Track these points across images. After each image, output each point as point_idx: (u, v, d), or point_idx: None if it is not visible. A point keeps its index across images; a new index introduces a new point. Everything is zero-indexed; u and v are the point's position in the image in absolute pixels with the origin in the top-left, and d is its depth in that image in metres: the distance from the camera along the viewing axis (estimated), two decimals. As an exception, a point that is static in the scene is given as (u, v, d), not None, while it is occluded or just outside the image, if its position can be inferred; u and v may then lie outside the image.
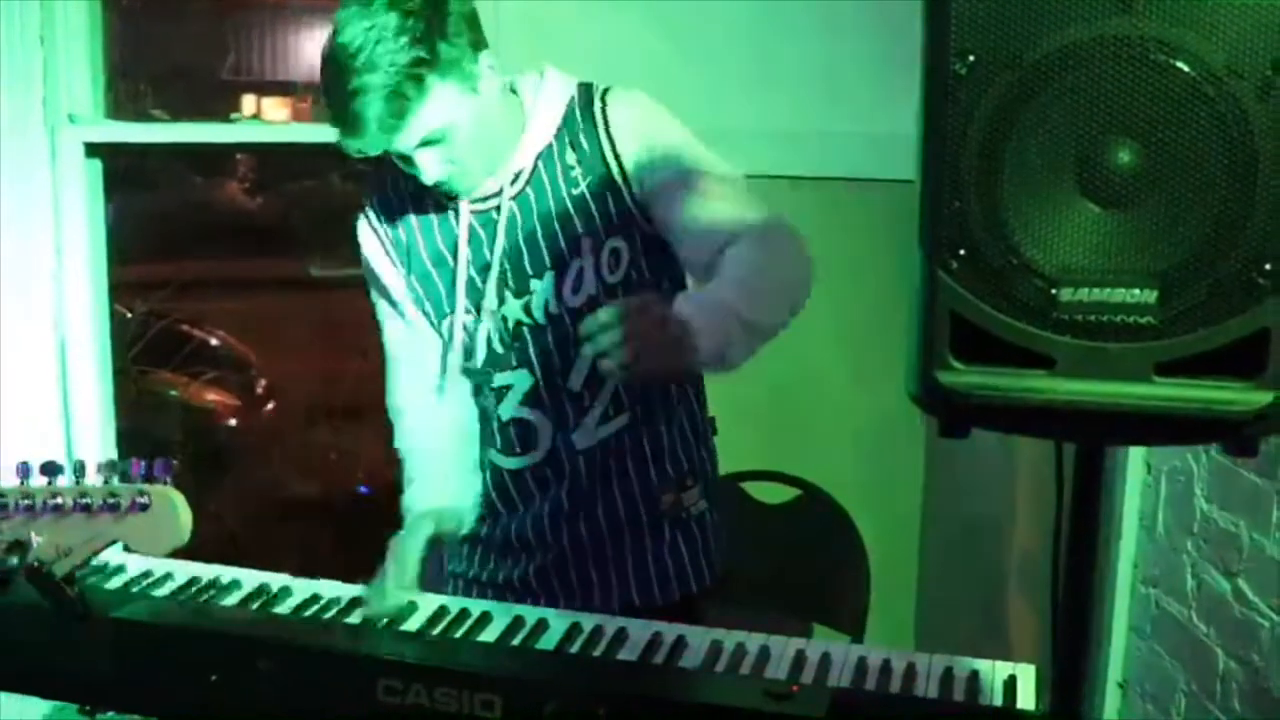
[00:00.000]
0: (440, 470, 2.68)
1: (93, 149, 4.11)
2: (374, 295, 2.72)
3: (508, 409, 2.63)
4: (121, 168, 4.50)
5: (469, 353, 2.61)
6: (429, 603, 2.40)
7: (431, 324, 2.65)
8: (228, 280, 10.59)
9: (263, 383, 7.79)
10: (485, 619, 2.32)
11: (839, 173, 3.84)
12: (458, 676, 2.03)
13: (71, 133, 4.04)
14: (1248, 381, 1.44)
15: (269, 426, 7.34)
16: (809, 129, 3.85)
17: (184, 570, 2.51)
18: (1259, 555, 2.79)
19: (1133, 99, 1.39)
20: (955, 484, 4.03)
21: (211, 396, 7.80)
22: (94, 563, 2.51)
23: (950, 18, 1.42)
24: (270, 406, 7.65)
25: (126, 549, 2.12)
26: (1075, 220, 1.44)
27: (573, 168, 2.51)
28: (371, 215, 2.66)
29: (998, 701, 2.05)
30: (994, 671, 2.11)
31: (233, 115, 4.42)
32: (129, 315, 7.35)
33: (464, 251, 2.56)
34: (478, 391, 2.67)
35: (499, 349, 2.59)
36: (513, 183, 2.53)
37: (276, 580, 2.48)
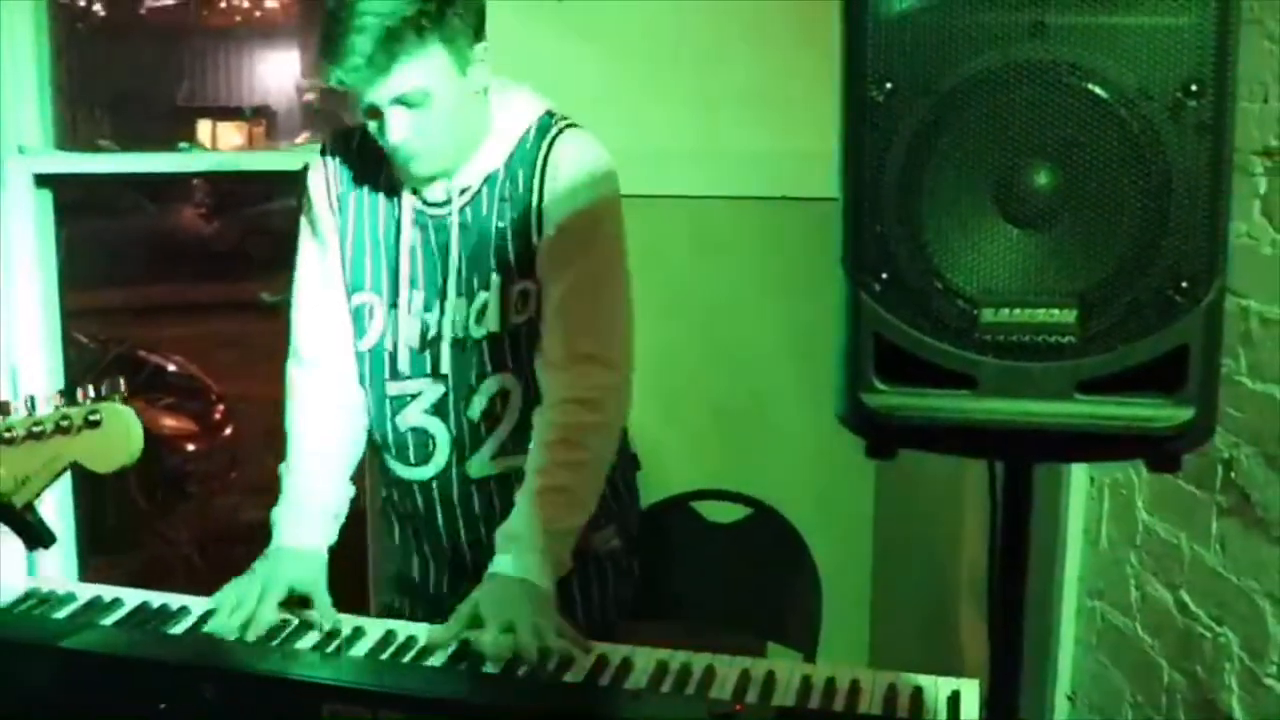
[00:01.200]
0: (315, 493, 2.62)
1: (42, 179, 4.10)
2: (302, 233, 2.69)
3: (410, 416, 2.62)
4: (75, 195, 4.49)
5: (380, 340, 2.61)
6: (376, 627, 2.40)
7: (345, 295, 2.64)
8: (184, 305, 10.57)
9: (220, 408, 7.77)
10: (412, 642, 2.33)
11: (781, 191, 3.86)
12: (403, 700, 2.05)
13: (19, 163, 4.03)
14: (1168, 397, 1.46)
15: (227, 451, 7.32)
16: (750, 148, 3.86)
17: (133, 598, 2.51)
18: (1200, 566, 2.82)
19: (1048, 122, 1.41)
20: (906, 500, 4.05)
21: (169, 422, 7.77)
22: (41, 592, 2.52)
23: (867, 45, 1.44)
24: (228, 431, 7.63)
25: (82, 469, 2.12)
26: (995, 242, 1.46)
27: (505, 200, 2.52)
28: (327, 161, 2.63)
29: (942, 717, 2.07)
30: (937, 688, 2.14)
31: (181, 144, 4.41)
32: (86, 341, 7.34)
33: (405, 245, 2.56)
34: (371, 376, 2.65)
35: (415, 350, 2.59)
36: (461, 194, 2.53)
37: (224, 607, 2.47)
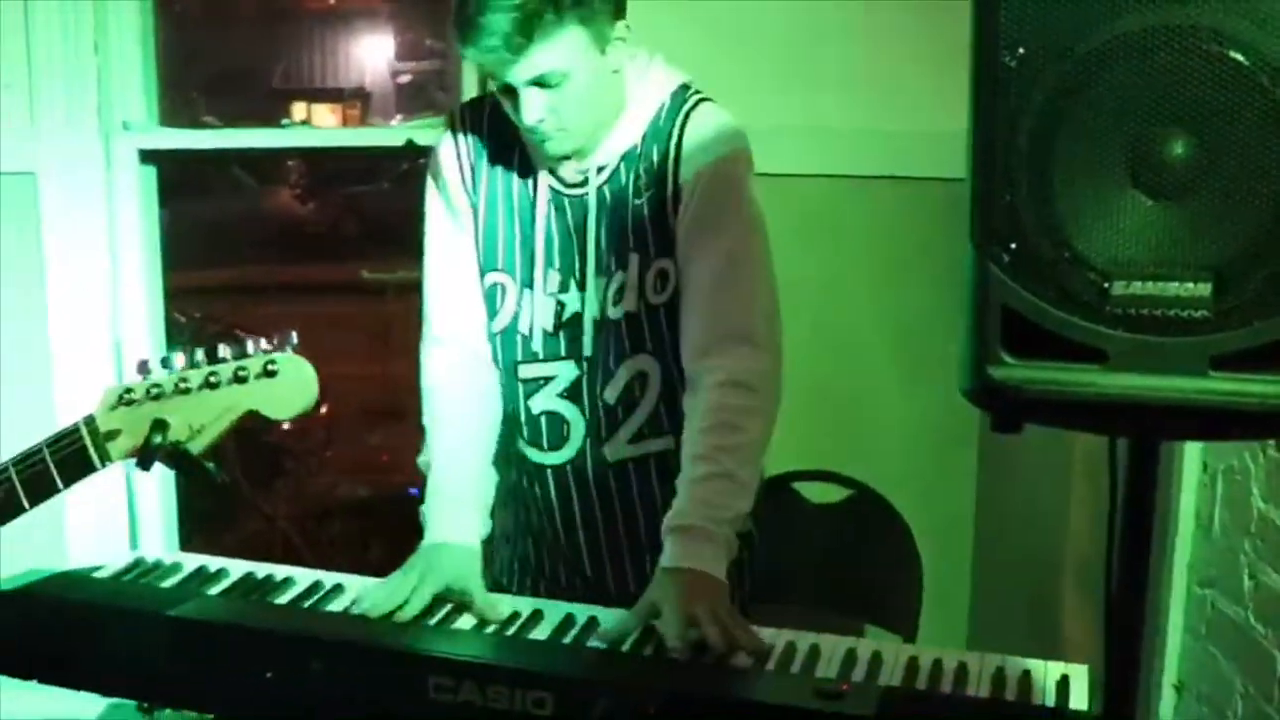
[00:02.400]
0: (462, 484, 2.55)
1: (147, 155, 4.15)
2: (431, 209, 2.62)
3: (543, 400, 2.58)
4: (175, 175, 4.53)
5: (513, 322, 2.56)
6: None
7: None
8: (281, 285, 10.64)
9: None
10: (537, 617, 2.32)
11: (888, 171, 3.83)
12: (509, 674, 2.04)
13: (126, 139, 4.09)
14: (1304, 375, 1.43)
15: (322, 429, 7.36)
16: (857, 127, 3.83)
17: (238, 568, 2.52)
18: (1317, 555, 2.77)
19: (1186, 90, 1.38)
20: (1009, 482, 4.01)
21: (265, 401, 7.81)
22: (148, 562, 2.54)
23: (1000, 10, 1.42)
24: (323, 410, 7.67)
25: (257, 415, 2.14)
26: (1128, 213, 1.43)
27: (641, 178, 2.47)
28: (459, 136, 2.56)
29: (1050, 702, 2.04)
30: (1046, 671, 2.10)
31: (283, 121, 4.43)
32: (183, 320, 7.40)
33: (540, 225, 2.51)
34: (502, 359, 2.60)
35: (549, 333, 2.55)
36: (598, 172, 2.48)
37: (329, 578, 2.49)
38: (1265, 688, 2.95)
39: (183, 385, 2.13)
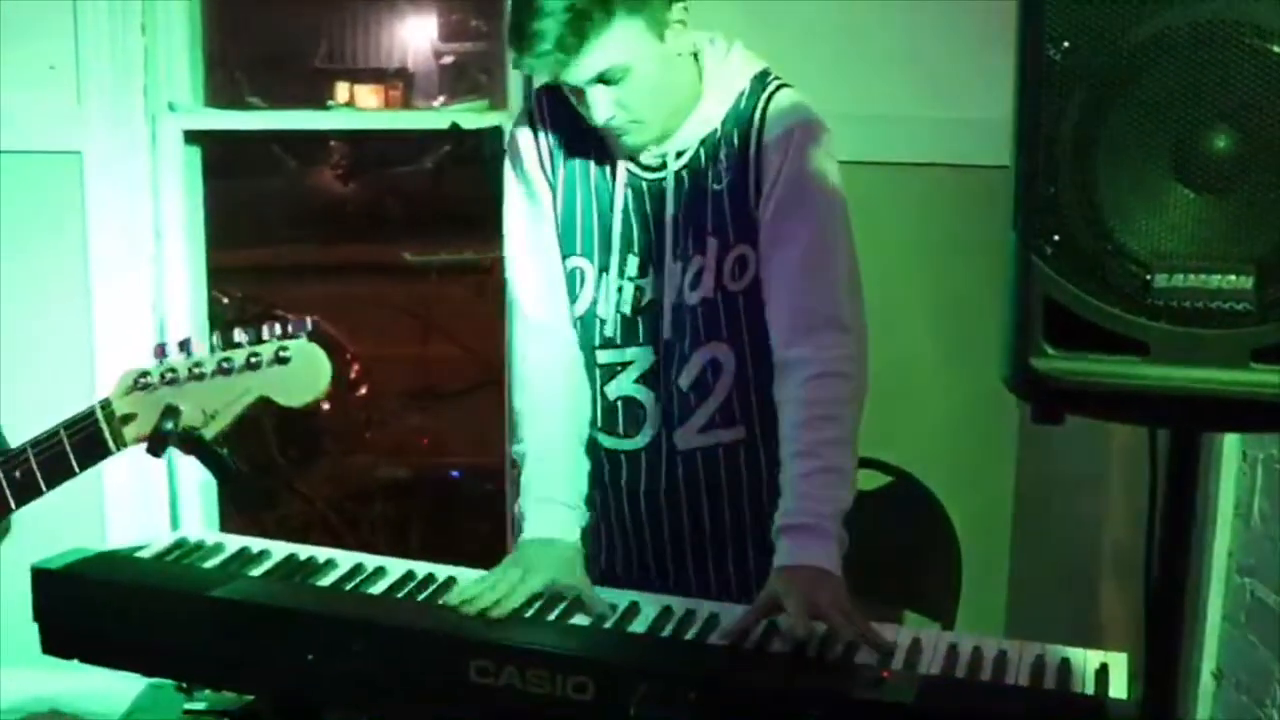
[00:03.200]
0: (558, 477, 2.53)
1: (192, 136, 4.18)
2: (510, 195, 2.62)
3: (618, 387, 2.57)
4: (216, 154, 4.56)
5: (593, 306, 2.55)
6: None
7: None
8: (322, 266, 10.67)
9: (356, 367, 7.84)
10: (578, 602, 2.33)
11: (933, 158, 3.82)
12: (550, 659, 2.06)
13: (171, 120, 4.11)
14: (1346, 368, 1.43)
15: (362, 410, 7.38)
16: (903, 113, 3.83)
17: (280, 550, 2.54)
18: (1356, 545, 2.76)
19: (1229, 84, 1.39)
20: (1048, 471, 4.00)
21: (305, 380, 7.84)
22: (190, 542, 2.56)
23: (1045, 4, 1.42)
24: (363, 391, 7.69)
25: (269, 402, 2.16)
26: (1170, 205, 1.44)
27: (721, 163, 2.46)
28: (535, 121, 2.56)
29: (1089, 690, 2.04)
30: (1085, 660, 2.11)
31: (328, 102, 4.45)
32: (225, 300, 7.43)
33: (619, 210, 2.50)
34: (582, 340, 2.58)
35: (627, 318, 2.54)
36: (677, 157, 2.47)
37: (371, 561, 2.50)
38: (1305, 677, 2.95)
39: (196, 371, 2.15)
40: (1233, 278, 1.42)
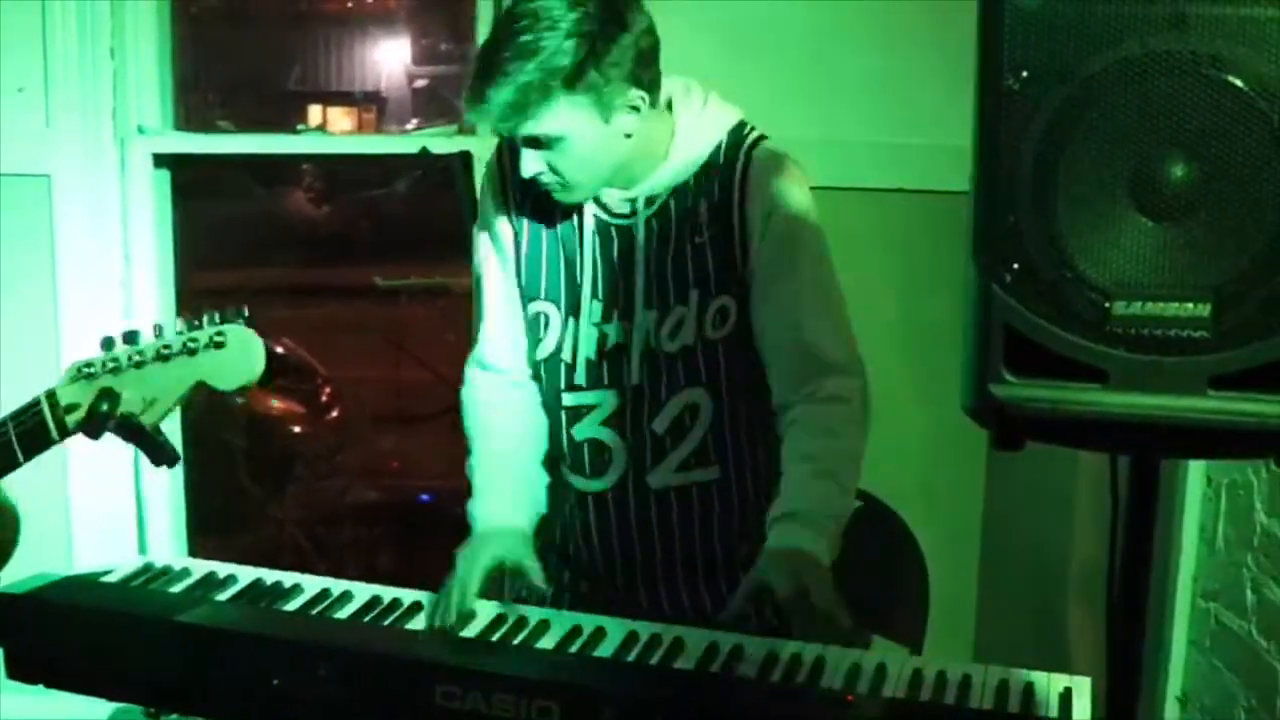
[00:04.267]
0: (506, 479, 2.60)
1: (161, 159, 4.17)
2: (479, 238, 2.69)
3: (585, 429, 2.59)
4: (189, 178, 4.55)
5: (556, 349, 2.59)
6: (487, 609, 2.40)
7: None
8: (293, 289, 10.65)
9: (327, 390, 7.84)
10: (543, 626, 2.33)
11: (902, 184, 3.84)
12: (515, 683, 2.06)
13: (141, 143, 4.10)
14: (1302, 395, 1.44)
15: (334, 433, 7.38)
16: (872, 139, 3.85)
17: (247, 574, 2.53)
18: (1320, 570, 2.78)
19: (1186, 114, 1.40)
20: (1016, 496, 4.01)
21: (276, 404, 7.84)
22: (157, 567, 2.55)
23: (1004, 32, 1.43)
24: (334, 414, 7.69)
25: (206, 388, 2.19)
26: (1129, 234, 1.45)
27: (700, 215, 2.51)
28: (504, 164, 2.62)
29: (1053, 714, 2.05)
30: (1049, 684, 2.11)
31: (299, 126, 4.45)
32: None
33: (587, 254, 2.54)
34: (546, 385, 2.62)
35: (592, 362, 2.56)
36: (647, 204, 2.52)
37: (337, 585, 2.49)
38: (1268, 700, 2.96)
39: (137, 359, 2.18)
40: (1190, 305, 1.43)
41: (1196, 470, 3.21)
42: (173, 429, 4.12)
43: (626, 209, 2.52)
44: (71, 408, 2.21)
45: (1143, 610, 1.70)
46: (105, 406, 2.17)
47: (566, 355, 2.57)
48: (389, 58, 17.71)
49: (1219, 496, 3.17)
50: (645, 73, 2.41)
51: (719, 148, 2.52)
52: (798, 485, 2.43)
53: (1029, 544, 4.04)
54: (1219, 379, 1.45)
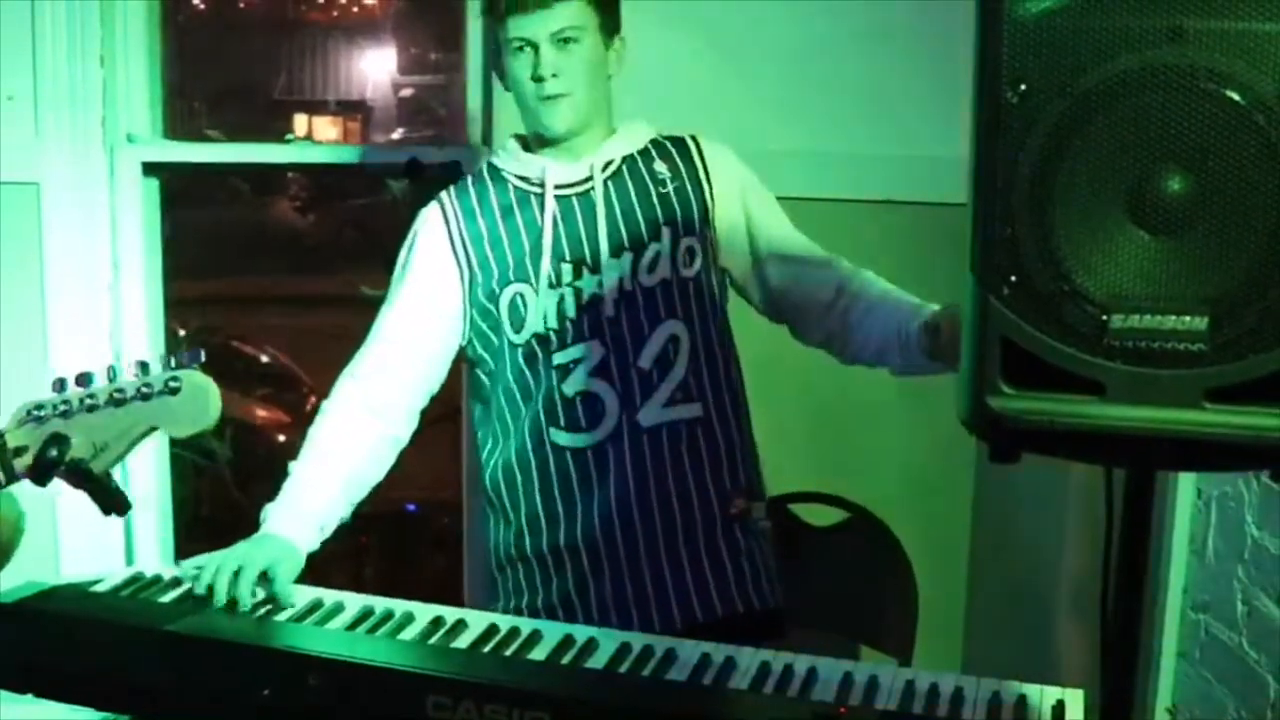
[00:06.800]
0: (315, 490, 2.68)
1: (150, 168, 4.16)
2: (404, 276, 2.80)
3: (574, 383, 2.66)
4: (176, 186, 4.55)
5: (537, 323, 2.68)
6: (480, 620, 2.40)
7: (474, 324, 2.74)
8: (278, 298, 10.64)
9: (312, 399, 7.82)
10: (535, 637, 2.32)
11: (892, 195, 3.84)
12: (507, 694, 2.05)
13: (130, 152, 4.09)
14: (1298, 408, 1.45)
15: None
16: (862, 151, 3.85)
17: (237, 585, 2.52)
18: (1310, 582, 2.78)
19: (1183, 127, 1.41)
20: (1005, 508, 4.02)
21: (262, 413, 7.83)
22: (146, 576, 2.54)
23: (1003, 46, 1.43)
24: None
25: (159, 434, 2.18)
26: (1126, 247, 1.45)
27: (662, 173, 2.75)
28: (446, 205, 2.77)
29: (1045, 726, 2.05)
30: (1042, 696, 2.11)
31: (287, 135, 4.44)
32: (182, 332, 7.39)
33: (548, 232, 2.68)
34: (530, 366, 2.69)
35: (572, 320, 2.66)
36: (603, 170, 2.71)
37: (328, 595, 2.49)
38: (1258, 712, 2.96)
39: (89, 402, 2.16)
40: (1187, 319, 1.44)
41: (1186, 482, 3.21)
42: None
43: (584, 175, 2.72)
44: (20, 450, 2.18)
45: (1137, 622, 1.70)
46: (54, 452, 2.14)
47: (553, 322, 2.67)
48: (375, 67, 17.73)
49: (1209, 508, 3.17)
50: (619, 21, 2.73)
51: (656, 137, 2.81)
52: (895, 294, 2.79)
53: (1018, 555, 4.04)
54: (1216, 392, 1.45)
